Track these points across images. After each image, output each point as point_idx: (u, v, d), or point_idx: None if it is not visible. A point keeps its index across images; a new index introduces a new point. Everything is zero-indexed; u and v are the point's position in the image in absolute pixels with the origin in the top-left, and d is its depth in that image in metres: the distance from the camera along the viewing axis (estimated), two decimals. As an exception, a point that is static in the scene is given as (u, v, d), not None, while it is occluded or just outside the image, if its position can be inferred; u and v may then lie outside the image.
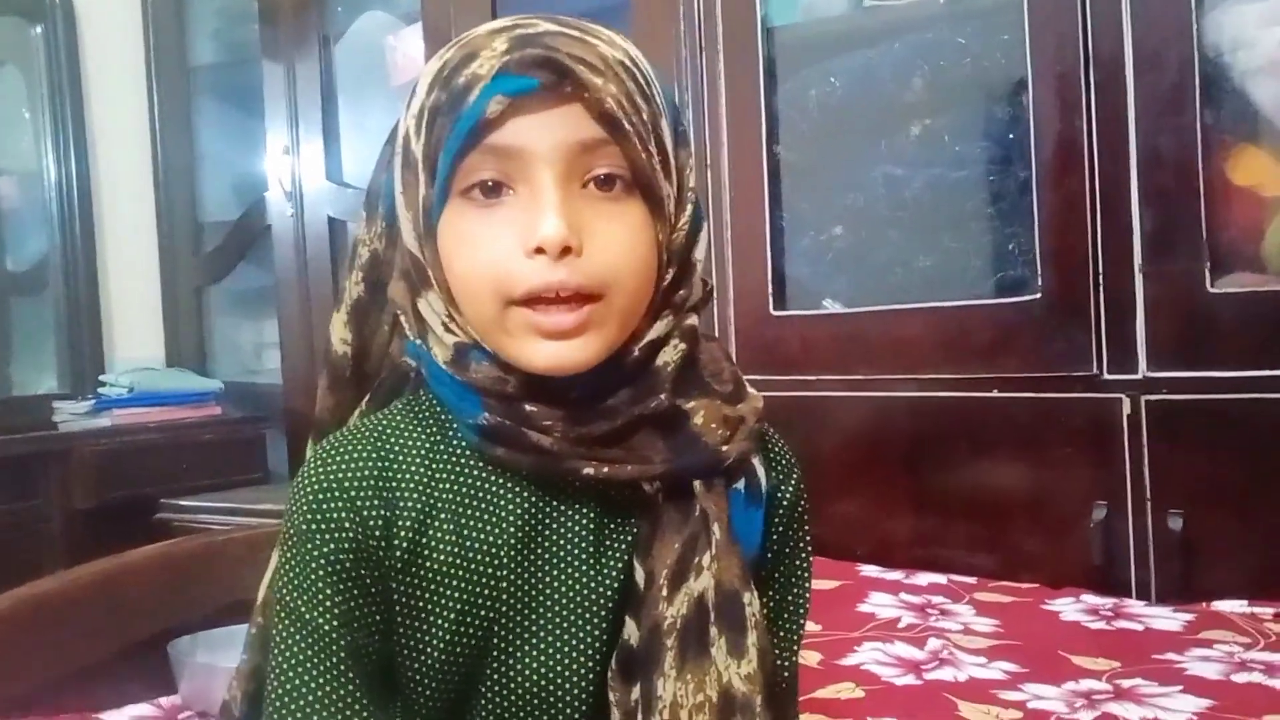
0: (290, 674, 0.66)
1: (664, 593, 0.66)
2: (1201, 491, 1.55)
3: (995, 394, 1.71)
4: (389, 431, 0.70)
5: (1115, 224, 1.61)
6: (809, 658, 1.33)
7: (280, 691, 0.66)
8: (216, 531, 1.97)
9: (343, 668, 0.66)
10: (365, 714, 0.67)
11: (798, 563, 0.77)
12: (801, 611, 0.78)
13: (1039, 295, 1.68)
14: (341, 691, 0.66)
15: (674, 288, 0.70)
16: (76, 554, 2.12)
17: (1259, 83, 1.58)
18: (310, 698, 0.66)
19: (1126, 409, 1.60)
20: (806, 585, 0.78)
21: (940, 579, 1.63)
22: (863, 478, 1.83)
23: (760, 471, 0.71)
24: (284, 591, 0.68)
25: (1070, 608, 1.50)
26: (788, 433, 0.79)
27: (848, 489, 1.82)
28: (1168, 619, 1.44)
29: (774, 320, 1.93)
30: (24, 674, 1.29)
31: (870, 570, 1.68)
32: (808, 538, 0.78)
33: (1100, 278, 1.62)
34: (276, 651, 0.67)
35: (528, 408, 0.66)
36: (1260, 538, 1.52)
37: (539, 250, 0.63)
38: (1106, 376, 1.62)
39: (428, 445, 0.70)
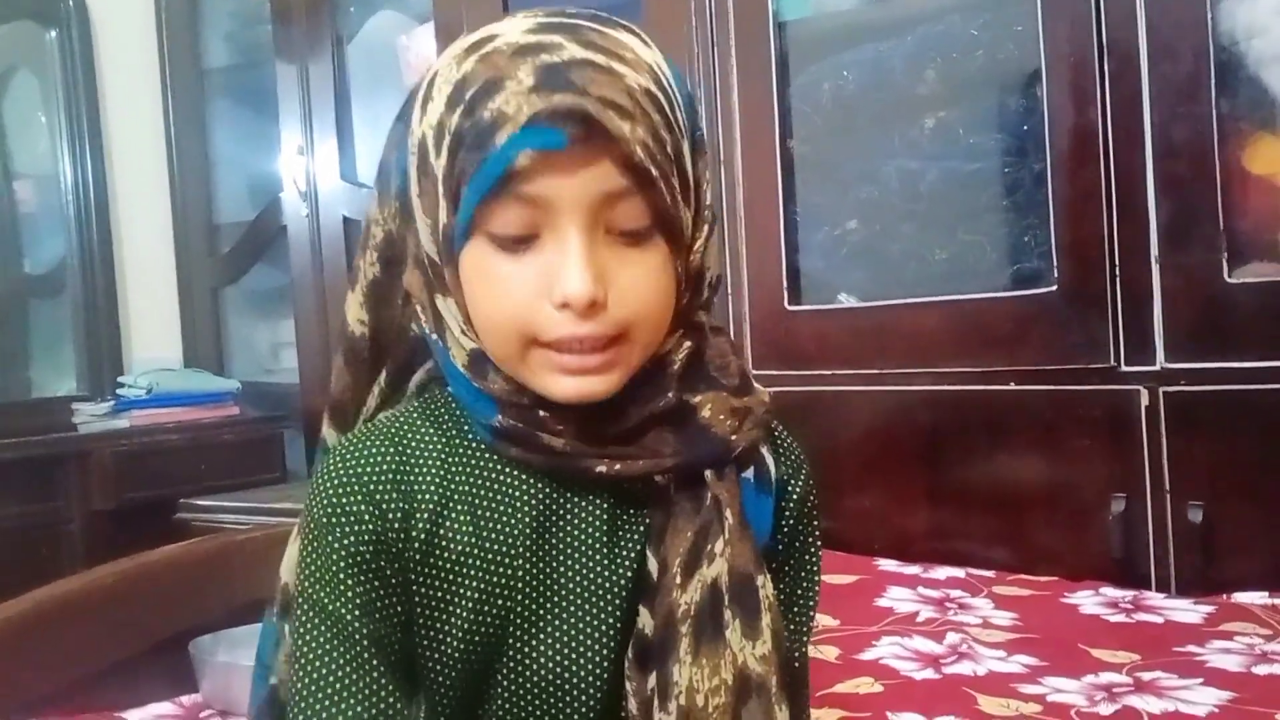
0: (315, 664, 0.67)
1: (677, 580, 0.67)
2: (1221, 483, 1.54)
3: (1012, 386, 1.71)
4: (406, 429, 0.71)
5: (1131, 214, 1.61)
6: (827, 652, 1.33)
7: (306, 682, 0.67)
8: (236, 531, 1.98)
9: (366, 656, 0.67)
10: (391, 700, 0.67)
11: (807, 556, 0.78)
12: (811, 604, 0.79)
13: (1055, 287, 1.67)
14: (368, 679, 0.67)
15: (691, 303, 0.71)
16: (96, 555, 2.13)
17: (1274, 71, 1.57)
18: (337, 686, 0.66)
19: (1144, 400, 1.59)
20: (816, 579, 0.79)
21: (958, 573, 1.62)
22: (880, 471, 1.83)
23: (769, 460, 0.72)
24: (305, 584, 0.68)
25: (1089, 600, 1.49)
26: (804, 427, 0.79)
27: (865, 483, 1.82)
28: (1188, 611, 1.43)
29: (789, 315, 1.93)
30: (46, 674, 1.29)
31: (888, 564, 1.68)
32: (817, 532, 0.79)
33: (1117, 269, 1.61)
34: (300, 643, 0.68)
35: (541, 413, 0.68)
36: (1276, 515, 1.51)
37: (565, 304, 0.64)
38: (1124, 368, 1.61)
39: (443, 441, 0.71)
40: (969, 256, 1.86)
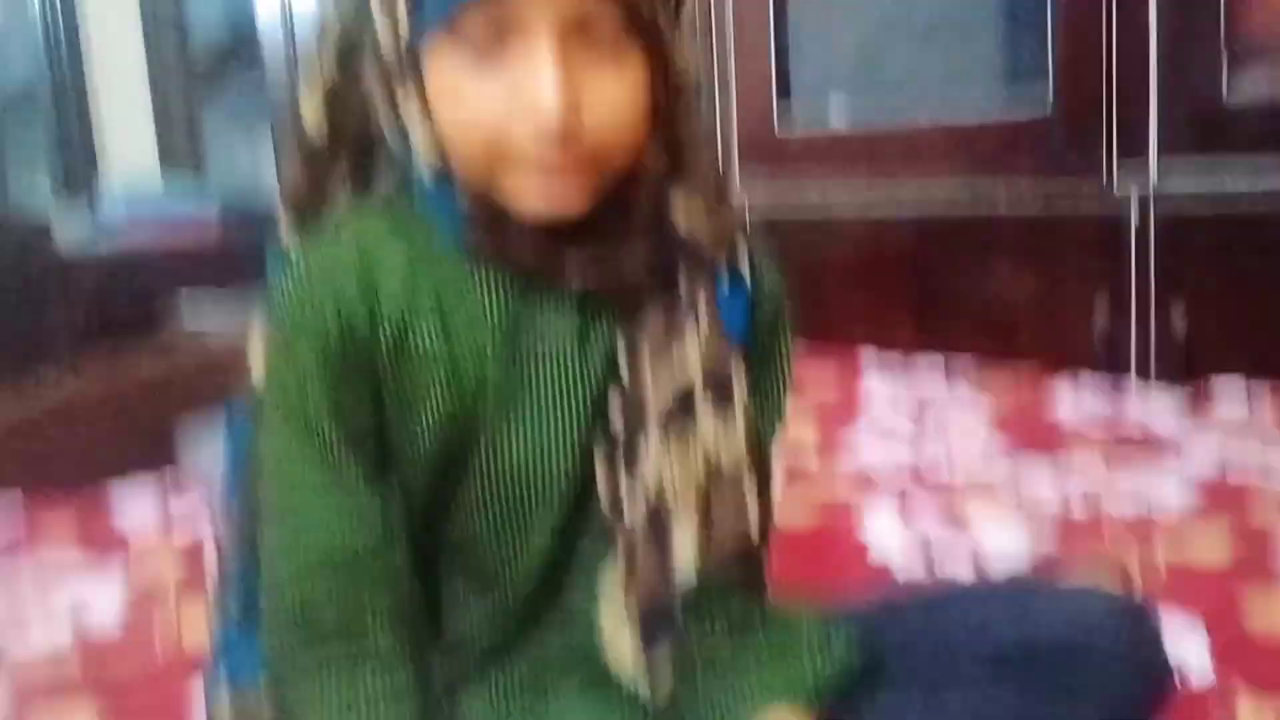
0: (287, 466, 0.67)
1: (648, 378, 0.67)
2: (1204, 290, 1.55)
3: (1005, 204, 1.69)
4: (370, 234, 0.69)
5: (1131, 31, 1.57)
6: (805, 446, 1.35)
7: (280, 484, 0.67)
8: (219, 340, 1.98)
9: (337, 456, 0.66)
10: (364, 498, 0.67)
11: (778, 360, 0.77)
12: (781, 405, 0.78)
13: (1051, 105, 1.65)
14: (340, 479, 0.66)
15: (669, 111, 0.68)
16: (80, 369, 2.13)
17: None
18: (309, 487, 0.66)
19: (1135, 220, 1.58)
20: (787, 379, 0.78)
21: (939, 363, 1.64)
22: (870, 285, 1.82)
23: (744, 259, 0.71)
24: (275, 388, 0.67)
25: (1069, 390, 1.51)
26: (793, 243, 0.78)
27: (851, 298, 1.82)
28: (1164, 398, 1.46)
29: (779, 129, 1.90)
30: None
31: (870, 357, 1.70)
32: (788, 335, 0.78)
33: (1114, 84, 1.59)
34: (272, 444, 0.67)
35: (511, 225, 0.65)
36: (1259, 329, 1.52)
37: (539, 125, 0.60)
38: (1116, 180, 1.60)
39: (411, 252, 0.69)
40: (965, 74, 1.83)
